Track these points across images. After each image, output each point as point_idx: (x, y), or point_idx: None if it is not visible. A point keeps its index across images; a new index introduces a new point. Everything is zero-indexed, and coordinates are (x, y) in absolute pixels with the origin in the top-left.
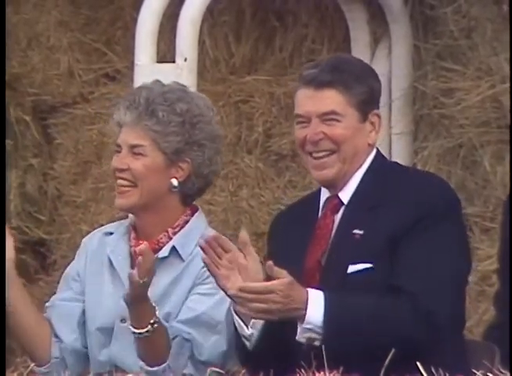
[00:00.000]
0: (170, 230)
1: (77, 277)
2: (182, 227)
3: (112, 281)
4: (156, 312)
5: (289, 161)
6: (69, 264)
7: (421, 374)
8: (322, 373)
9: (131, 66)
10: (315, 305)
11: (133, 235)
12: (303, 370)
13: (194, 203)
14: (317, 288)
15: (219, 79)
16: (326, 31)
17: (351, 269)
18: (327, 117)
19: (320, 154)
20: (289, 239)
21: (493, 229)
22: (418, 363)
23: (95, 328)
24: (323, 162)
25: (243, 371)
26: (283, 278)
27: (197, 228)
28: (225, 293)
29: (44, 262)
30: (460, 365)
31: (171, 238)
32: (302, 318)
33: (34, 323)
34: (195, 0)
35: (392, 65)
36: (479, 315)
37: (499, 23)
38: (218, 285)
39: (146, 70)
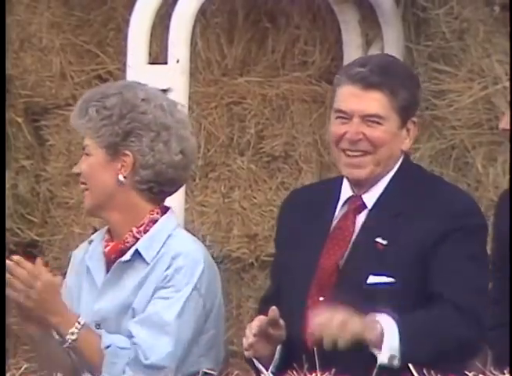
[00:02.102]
0: (134, 229)
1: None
2: (147, 226)
3: (88, 287)
4: (78, 324)
5: (281, 163)
6: (61, 266)
7: (412, 375)
8: (314, 374)
9: (123, 67)
10: (390, 328)
11: (106, 237)
12: (295, 372)
13: (187, 205)
14: (332, 292)
15: (211, 80)
16: (318, 33)
17: (372, 280)
18: (370, 118)
19: (355, 153)
20: (302, 229)
21: None
22: (410, 365)
23: None
24: (357, 161)
25: (236, 372)
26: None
27: (165, 229)
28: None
29: None
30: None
31: (135, 237)
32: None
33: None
34: (187, 1)
35: None
36: None
37: (491, 25)
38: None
39: (138, 71)
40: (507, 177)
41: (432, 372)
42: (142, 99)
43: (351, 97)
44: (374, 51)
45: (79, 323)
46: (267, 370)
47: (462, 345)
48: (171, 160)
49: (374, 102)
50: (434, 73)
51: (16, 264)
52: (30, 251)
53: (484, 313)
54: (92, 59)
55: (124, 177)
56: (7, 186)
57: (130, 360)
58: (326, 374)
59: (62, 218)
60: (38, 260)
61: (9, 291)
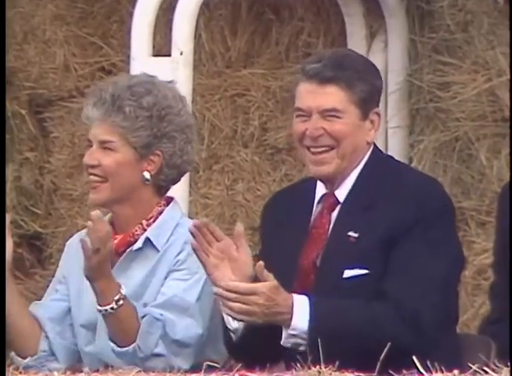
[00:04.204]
0: (144, 222)
1: (63, 279)
2: (156, 218)
3: None
4: (122, 290)
5: (285, 155)
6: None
7: (417, 368)
8: (317, 366)
9: (127, 59)
10: (301, 311)
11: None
12: (298, 364)
13: (191, 197)
14: (312, 289)
15: (215, 73)
16: (322, 25)
17: (347, 274)
18: (328, 113)
19: (319, 150)
20: (283, 232)
21: (489, 222)
22: (414, 358)
23: (79, 325)
24: (322, 158)
25: (239, 365)
26: (269, 281)
27: (172, 218)
28: (212, 283)
29: (40, 255)
30: (455, 359)
31: (145, 229)
32: (287, 323)
33: (24, 318)
34: None
35: (388, 59)
36: (475, 309)
37: (495, 17)
38: (207, 273)
39: (142, 63)
40: None
41: (436, 364)
42: (173, 98)
43: (308, 94)
44: (378, 43)
45: (122, 291)
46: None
47: (394, 346)
48: (193, 160)
49: (331, 96)
50: (439, 65)
51: (96, 219)
52: (34, 243)
53: (428, 319)
54: (96, 51)
55: (151, 175)
56: (11, 178)
57: (162, 334)
58: (330, 366)
59: (66, 210)
60: (108, 226)
61: (85, 239)
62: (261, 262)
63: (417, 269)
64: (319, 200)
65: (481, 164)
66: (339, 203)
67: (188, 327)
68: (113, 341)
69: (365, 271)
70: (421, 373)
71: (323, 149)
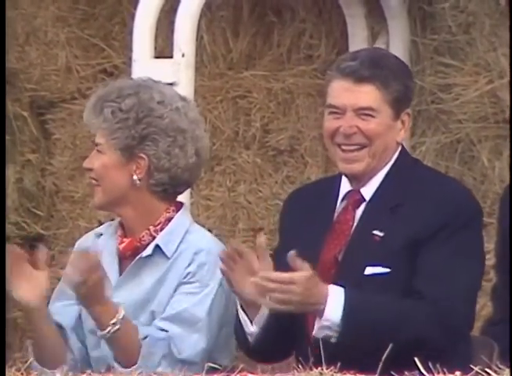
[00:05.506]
0: (151, 228)
1: None
2: (164, 224)
3: None
4: (118, 314)
5: (286, 157)
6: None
7: (419, 369)
8: (319, 368)
9: (128, 61)
10: (335, 302)
11: (119, 232)
12: (300, 366)
13: (192, 199)
14: (331, 284)
15: (217, 74)
16: (323, 26)
17: (369, 271)
18: (363, 111)
19: (351, 148)
20: (304, 225)
21: (491, 224)
22: (416, 359)
23: (88, 331)
24: (353, 156)
25: (241, 366)
26: (306, 271)
27: (182, 225)
28: (236, 295)
29: None
30: (468, 361)
31: (152, 236)
32: (320, 313)
33: (55, 338)
34: None
35: None
36: (477, 310)
37: (496, 19)
38: (230, 289)
39: (144, 65)
40: None
41: (438, 366)
42: (158, 102)
43: (343, 91)
44: (380, 44)
45: (120, 313)
46: (251, 323)
47: (422, 344)
48: (186, 164)
49: (366, 95)
50: (440, 66)
51: (81, 254)
52: (36, 245)
53: (462, 322)
54: (98, 53)
55: (139, 179)
56: (12, 180)
57: (165, 354)
58: (332, 367)
59: (67, 212)
60: (98, 255)
61: (69, 273)
62: (293, 251)
63: (450, 274)
64: (344, 197)
65: (482, 165)
66: (364, 200)
67: (194, 344)
68: (115, 360)
69: (387, 270)
70: (423, 374)
71: (355, 147)
